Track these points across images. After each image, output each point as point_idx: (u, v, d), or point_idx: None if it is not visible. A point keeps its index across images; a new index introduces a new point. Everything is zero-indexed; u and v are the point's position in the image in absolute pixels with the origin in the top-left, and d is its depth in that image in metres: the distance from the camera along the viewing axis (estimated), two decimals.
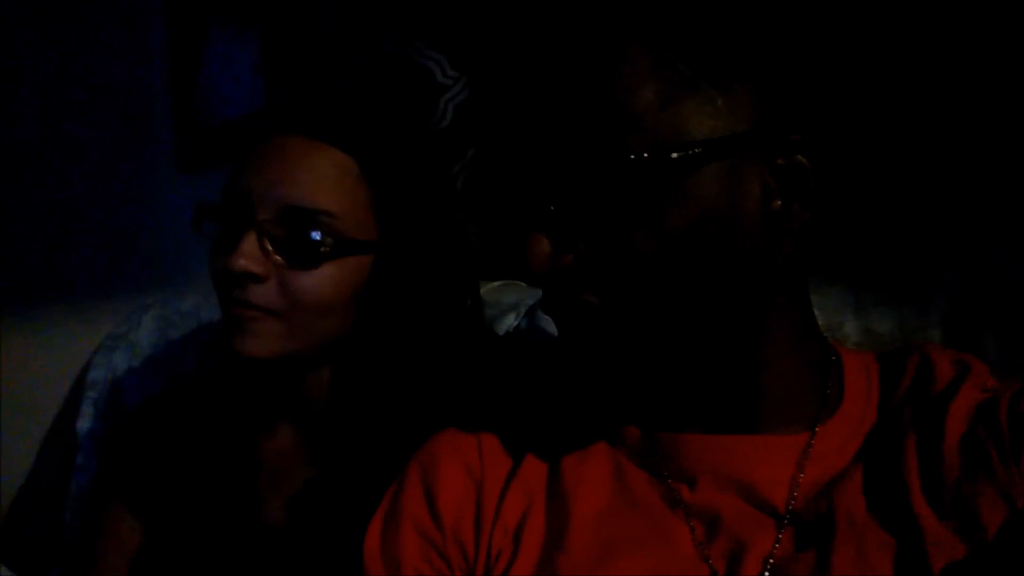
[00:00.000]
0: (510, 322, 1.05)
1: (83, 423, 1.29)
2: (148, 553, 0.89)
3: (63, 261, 1.40)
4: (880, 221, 0.90)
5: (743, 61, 0.58)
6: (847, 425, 0.63)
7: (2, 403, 1.30)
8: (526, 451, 0.66)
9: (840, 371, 0.66)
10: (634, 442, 0.65)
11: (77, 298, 1.37)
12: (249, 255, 0.79)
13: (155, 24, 1.44)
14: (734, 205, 0.57)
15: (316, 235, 0.80)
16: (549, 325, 1.06)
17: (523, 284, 1.13)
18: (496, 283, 1.12)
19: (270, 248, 0.80)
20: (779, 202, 0.59)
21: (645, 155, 0.56)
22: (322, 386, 0.86)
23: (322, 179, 0.81)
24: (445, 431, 0.69)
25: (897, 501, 0.58)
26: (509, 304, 1.07)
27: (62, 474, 1.24)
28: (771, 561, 0.58)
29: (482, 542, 0.63)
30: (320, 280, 0.80)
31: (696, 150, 0.56)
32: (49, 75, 1.40)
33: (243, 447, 0.88)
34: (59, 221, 1.41)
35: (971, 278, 0.79)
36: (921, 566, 0.55)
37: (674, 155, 0.55)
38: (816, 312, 0.81)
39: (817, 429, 0.62)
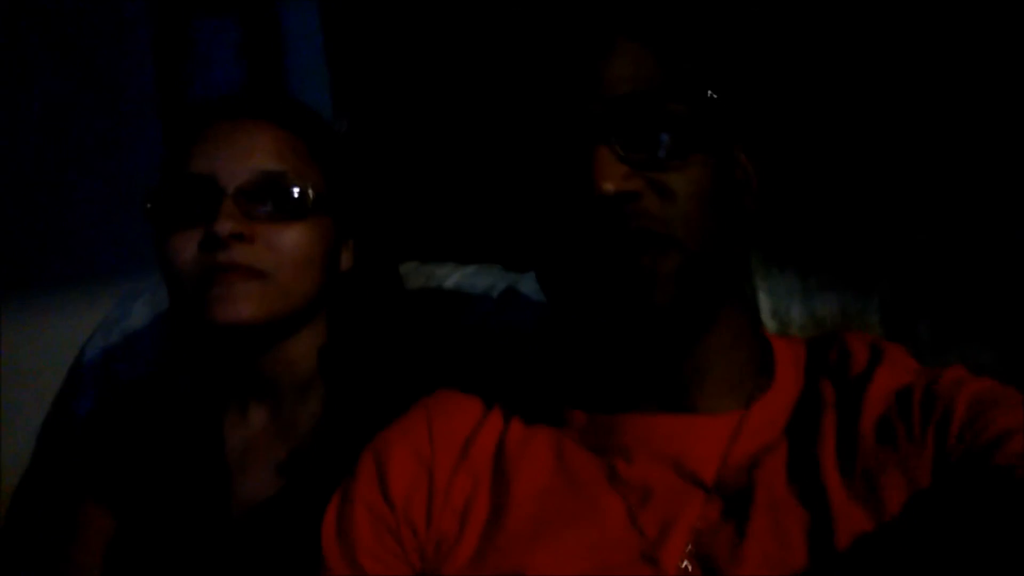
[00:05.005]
0: (483, 307, 1.09)
1: (81, 404, 1.33)
2: (122, 543, 0.91)
3: (58, 247, 1.43)
4: (832, 211, 0.94)
5: (708, 73, 0.65)
6: (776, 406, 0.68)
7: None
8: (475, 436, 0.71)
9: (771, 356, 0.70)
10: (579, 424, 0.70)
11: (72, 283, 1.41)
12: (235, 217, 0.83)
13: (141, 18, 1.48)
14: (716, 190, 0.63)
15: (295, 191, 0.86)
16: (522, 310, 1.10)
17: (496, 268, 1.17)
18: (470, 267, 1.16)
19: (249, 211, 0.84)
20: (737, 192, 0.67)
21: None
22: (294, 359, 0.90)
23: (281, 147, 0.87)
24: (399, 420, 0.73)
25: (813, 477, 0.62)
26: (482, 288, 1.11)
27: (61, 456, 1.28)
28: (697, 529, 0.63)
29: (432, 523, 0.67)
30: (301, 235, 0.86)
31: (676, 140, 0.62)
32: (38, 65, 1.43)
33: (210, 431, 0.91)
34: (53, 207, 1.44)
35: (911, 268, 0.83)
36: (829, 539, 0.59)
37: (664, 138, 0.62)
38: (765, 296, 0.85)
39: (749, 409, 0.67)
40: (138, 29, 1.48)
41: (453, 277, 1.13)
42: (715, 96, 0.62)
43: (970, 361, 0.77)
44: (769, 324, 0.87)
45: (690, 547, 0.62)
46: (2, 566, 1.22)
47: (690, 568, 0.61)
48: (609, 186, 0.59)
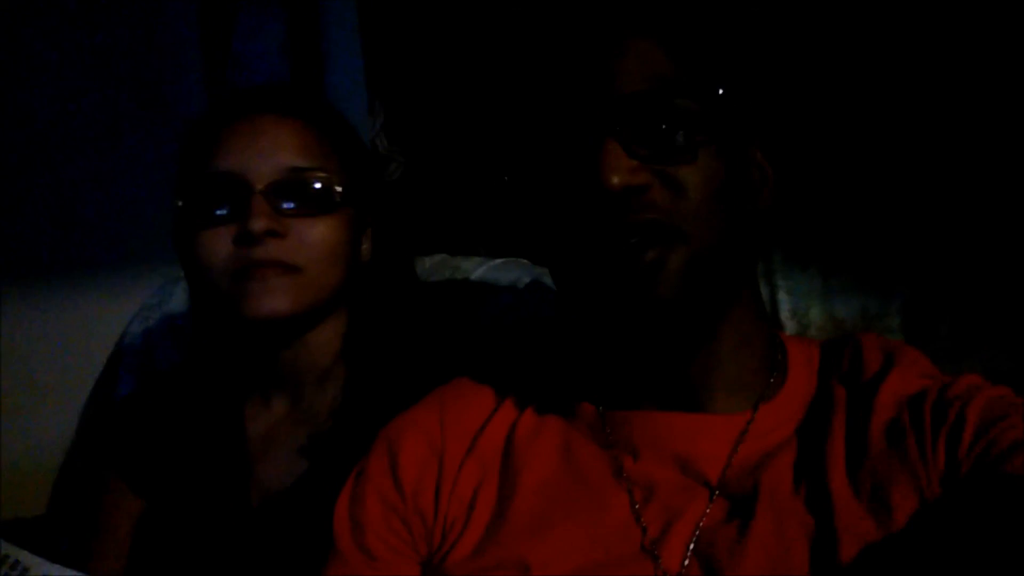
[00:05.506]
0: (506, 300, 1.10)
1: (122, 390, 1.37)
2: (149, 526, 0.94)
3: (102, 231, 1.48)
4: (853, 212, 0.94)
5: (718, 70, 0.65)
6: (786, 408, 0.67)
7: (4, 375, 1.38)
8: (486, 427, 0.72)
9: (784, 357, 0.70)
10: (588, 419, 0.70)
11: (113, 268, 1.45)
12: (268, 214, 0.85)
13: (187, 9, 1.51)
14: (728, 186, 0.63)
15: (321, 186, 0.88)
16: (545, 304, 1.11)
17: (524, 261, 1.18)
18: (497, 261, 1.17)
19: (281, 207, 0.87)
20: (750, 190, 0.66)
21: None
22: (315, 348, 0.92)
23: (304, 142, 0.89)
24: (412, 408, 0.74)
25: (819, 481, 0.62)
26: (507, 281, 1.12)
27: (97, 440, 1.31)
28: (700, 527, 0.63)
29: (440, 511, 0.69)
30: (329, 228, 0.88)
31: (686, 136, 0.62)
32: (84, 52, 1.47)
33: (232, 419, 0.94)
34: (97, 194, 1.48)
35: (932, 270, 0.82)
36: (832, 545, 0.59)
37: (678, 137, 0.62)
38: (786, 296, 0.85)
39: (758, 410, 0.67)
40: (185, 18, 1.51)
41: (479, 270, 1.15)
42: (725, 93, 0.62)
43: (990, 365, 0.76)
44: (789, 325, 0.87)
45: (692, 545, 0.63)
46: (44, 548, 1.26)
47: (691, 566, 0.62)
48: (616, 179, 0.60)
